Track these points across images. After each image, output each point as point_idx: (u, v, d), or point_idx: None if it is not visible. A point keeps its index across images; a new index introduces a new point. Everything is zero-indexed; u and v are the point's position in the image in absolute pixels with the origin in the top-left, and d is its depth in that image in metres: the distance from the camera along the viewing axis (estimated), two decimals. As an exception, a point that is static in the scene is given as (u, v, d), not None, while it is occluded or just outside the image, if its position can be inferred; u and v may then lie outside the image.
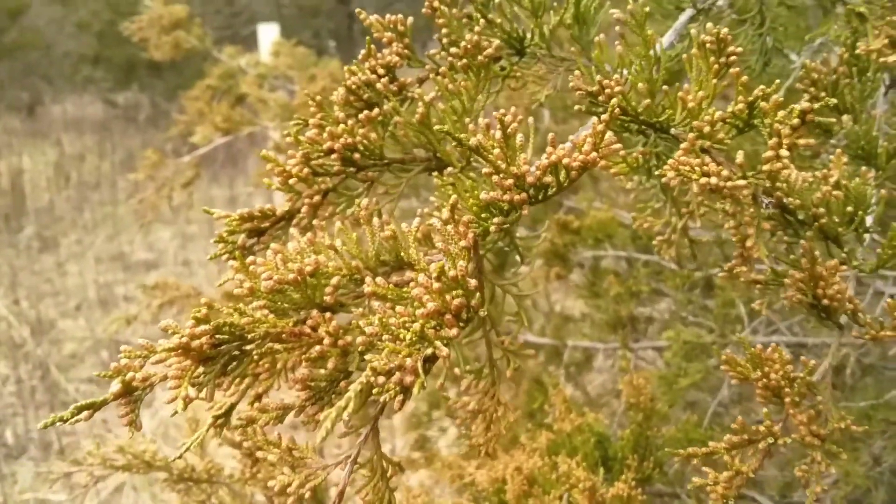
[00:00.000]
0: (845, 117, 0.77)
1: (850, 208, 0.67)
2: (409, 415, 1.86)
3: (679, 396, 1.33)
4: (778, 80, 0.55)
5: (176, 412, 0.50)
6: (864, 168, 0.70)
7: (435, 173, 0.64)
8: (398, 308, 0.49)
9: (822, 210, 0.66)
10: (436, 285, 0.45)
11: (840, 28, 0.78)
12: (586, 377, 2.08)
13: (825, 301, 0.64)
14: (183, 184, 2.00)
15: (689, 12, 0.77)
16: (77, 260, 5.41)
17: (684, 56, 0.63)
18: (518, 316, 0.71)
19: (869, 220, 0.72)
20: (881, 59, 0.72)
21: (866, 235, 0.71)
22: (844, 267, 0.67)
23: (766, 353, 0.61)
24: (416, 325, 0.43)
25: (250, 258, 0.56)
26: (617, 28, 0.64)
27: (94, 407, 0.48)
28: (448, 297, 0.46)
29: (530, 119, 0.59)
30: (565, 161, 0.52)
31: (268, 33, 4.07)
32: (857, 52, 0.73)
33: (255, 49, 3.99)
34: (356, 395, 0.40)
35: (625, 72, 0.63)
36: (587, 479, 1.00)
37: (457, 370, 0.71)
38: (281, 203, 0.65)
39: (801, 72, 0.75)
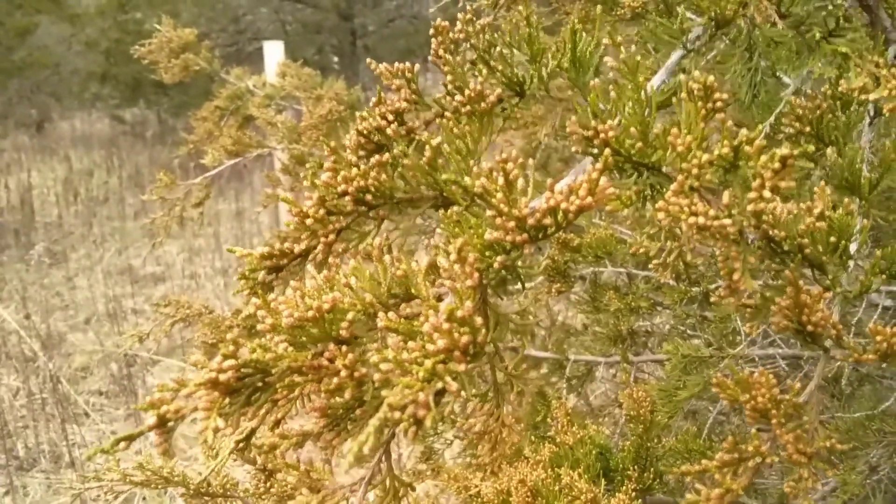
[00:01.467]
0: (829, 150, 0.81)
1: (833, 238, 0.72)
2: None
3: (678, 408, 1.36)
4: (760, 126, 0.60)
5: (206, 440, 0.55)
6: (847, 200, 0.74)
7: (441, 210, 0.69)
8: (410, 343, 0.53)
9: (806, 240, 0.70)
10: (445, 325, 0.49)
11: (824, 65, 0.82)
12: (588, 387, 2.12)
13: (809, 327, 0.68)
14: (194, 204, 2.05)
15: (679, 52, 0.81)
16: (86, 274, 5.48)
17: (674, 99, 0.68)
18: (521, 342, 0.75)
19: (853, 248, 0.76)
20: (862, 97, 0.76)
21: (850, 262, 0.75)
22: (828, 293, 0.71)
23: (754, 378, 0.65)
24: (428, 363, 0.48)
25: (272, 296, 0.61)
26: (611, 74, 0.68)
27: (132, 437, 0.53)
28: (456, 335, 0.50)
29: (530, 161, 0.64)
30: (563, 206, 0.56)
31: (273, 51, 4.15)
32: (840, 89, 0.77)
33: (261, 65, 4.06)
34: (375, 430, 0.45)
35: (618, 116, 0.67)
36: (589, 490, 1.04)
37: (463, 393, 0.76)
38: (286, 219, 0.70)
39: (786, 108, 0.79)
